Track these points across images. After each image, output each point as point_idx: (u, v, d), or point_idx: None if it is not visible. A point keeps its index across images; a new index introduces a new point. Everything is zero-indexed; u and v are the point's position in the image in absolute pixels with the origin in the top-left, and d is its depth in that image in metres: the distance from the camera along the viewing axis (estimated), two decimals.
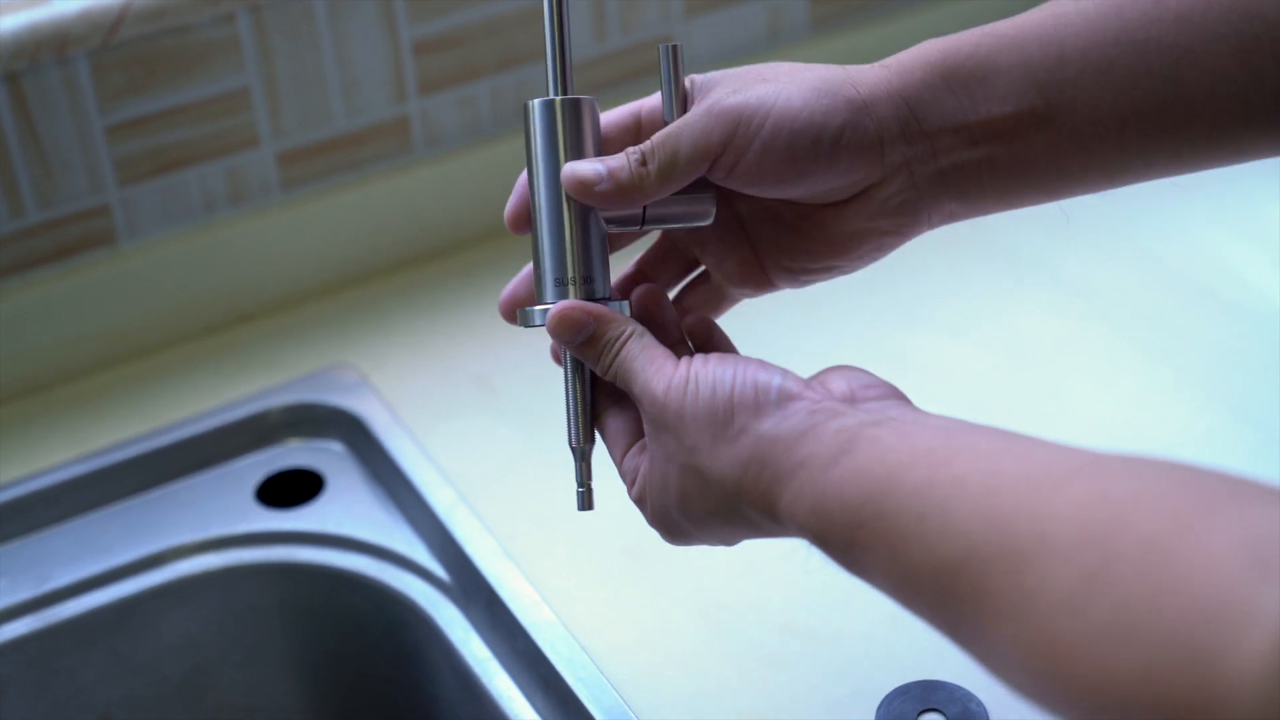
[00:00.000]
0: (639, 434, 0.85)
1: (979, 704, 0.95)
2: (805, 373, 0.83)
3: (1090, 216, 1.33)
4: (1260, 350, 1.23)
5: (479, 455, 1.20)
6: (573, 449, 0.87)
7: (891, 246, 0.87)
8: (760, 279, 0.90)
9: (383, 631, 1.16)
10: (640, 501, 0.85)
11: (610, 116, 0.87)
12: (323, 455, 1.23)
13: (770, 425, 0.77)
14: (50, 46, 1.18)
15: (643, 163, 0.82)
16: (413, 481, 1.17)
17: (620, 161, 0.83)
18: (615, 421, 0.86)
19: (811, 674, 1.01)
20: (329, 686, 1.23)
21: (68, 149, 1.22)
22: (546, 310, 0.84)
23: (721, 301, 0.92)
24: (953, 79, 0.82)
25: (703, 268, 0.92)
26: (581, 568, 1.11)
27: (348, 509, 1.19)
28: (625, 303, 0.86)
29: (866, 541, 0.71)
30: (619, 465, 0.86)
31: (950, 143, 0.83)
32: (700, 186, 0.85)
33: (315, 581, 1.17)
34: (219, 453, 1.23)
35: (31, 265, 1.25)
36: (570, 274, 0.84)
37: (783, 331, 1.28)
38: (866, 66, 0.84)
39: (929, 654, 0.97)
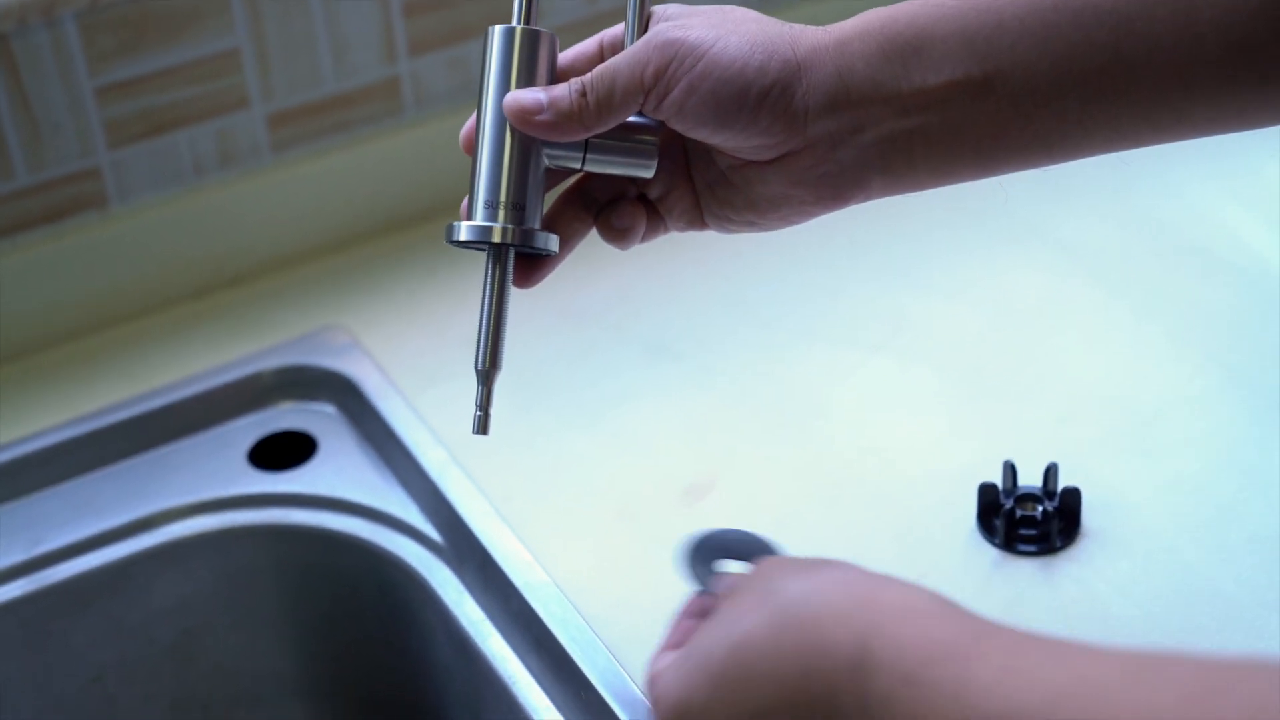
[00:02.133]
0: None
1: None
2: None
3: (1087, 178, 1.33)
4: (1256, 312, 1.23)
5: (471, 417, 1.20)
6: (477, 371, 0.87)
7: (812, 214, 0.87)
8: (692, 216, 0.89)
9: (376, 593, 1.16)
10: (652, 681, 0.78)
11: (576, 49, 0.88)
12: (315, 417, 1.23)
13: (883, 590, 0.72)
14: (38, 8, 1.17)
15: (582, 94, 0.83)
16: (405, 443, 1.16)
17: (562, 91, 0.83)
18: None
19: None
20: (322, 648, 1.23)
21: (57, 111, 1.22)
22: (470, 226, 0.85)
23: (647, 229, 0.90)
24: (889, 48, 0.82)
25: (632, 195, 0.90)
26: (574, 529, 1.10)
27: (340, 471, 1.19)
28: (555, 236, 0.86)
29: (934, 682, 0.66)
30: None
31: (880, 113, 0.82)
32: (645, 135, 0.85)
33: (308, 544, 1.17)
34: (211, 415, 1.23)
35: (21, 228, 1.25)
36: (502, 198, 0.85)
37: (776, 293, 1.28)
38: (811, 30, 0.84)
39: None
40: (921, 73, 0.81)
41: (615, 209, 0.89)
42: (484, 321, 0.87)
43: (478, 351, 0.87)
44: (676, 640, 0.81)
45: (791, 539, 0.98)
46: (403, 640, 1.17)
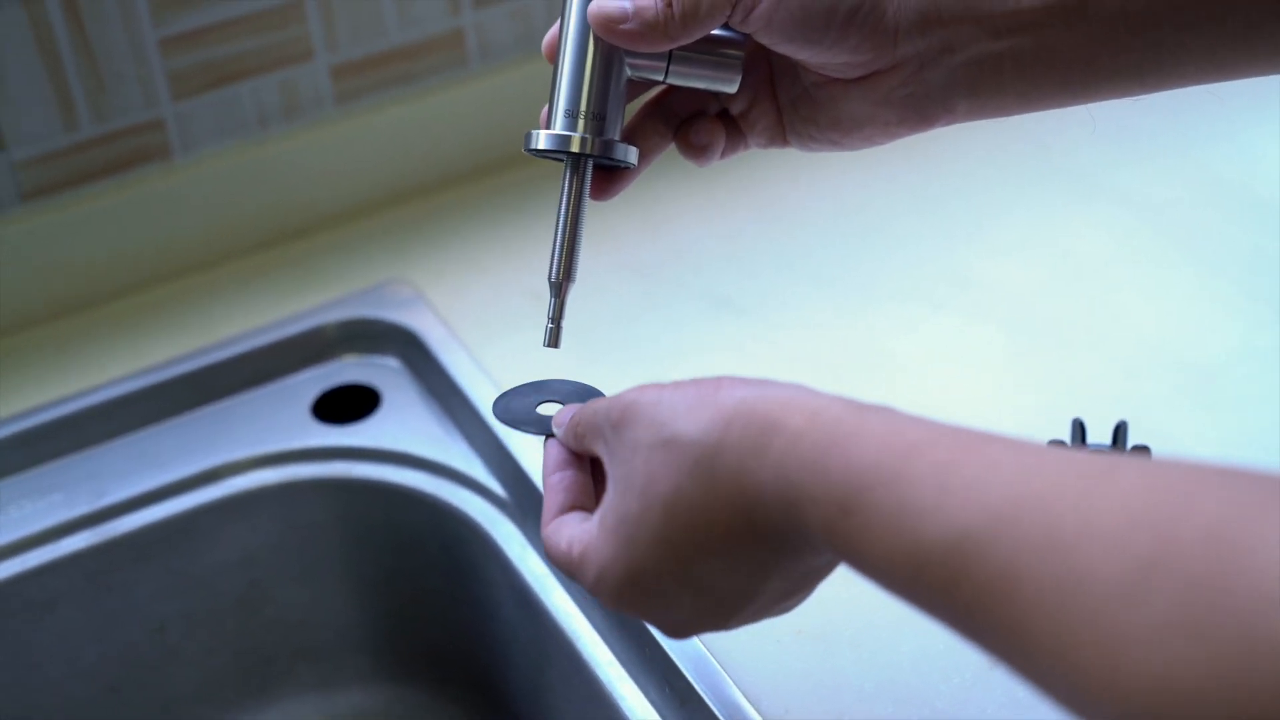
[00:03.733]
0: (581, 500, 0.82)
1: (593, 390, 0.92)
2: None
3: (1151, 132, 1.31)
4: None
5: (535, 370, 1.19)
6: (550, 283, 0.86)
7: (896, 135, 0.86)
8: (778, 134, 0.88)
9: (439, 547, 1.16)
10: (582, 559, 0.78)
11: None
12: (379, 371, 1.23)
13: (761, 389, 0.72)
14: None
15: (668, 3, 0.81)
16: (469, 397, 1.16)
17: (648, 1, 0.81)
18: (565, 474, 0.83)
19: (869, 589, 1.01)
20: (385, 602, 1.23)
21: (121, 62, 1.21)
22: (549, 135, 0.84)
23: (727, 146, 0.89)
24: None
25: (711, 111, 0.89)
26: None
27: (404, 425, 1.19)
28: (634, 149, 0.85)
29: (868, 508, 0.65)
30: (545, 526, 0.82)
31: (971, 34, 0.81)
32: (730, 49, 0.84)
33: (371, 497, 1.17)
34: (275, 368, 1.23)
35: (85, 179, 1.25)
36: (583, 107, 0.84)
37: (838, 250, 1.27)
38: None
39: None
40: None
41: (694, 125, 0.88)
42: (560, 232, 0.86)
43: (551, 262, 0.86)
44: (571, 500, 0.81)
45: None
46: (466, 594, 1.17)
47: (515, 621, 1.11)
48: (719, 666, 0.96)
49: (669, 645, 0.97)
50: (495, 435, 1.13)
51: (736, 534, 0.71)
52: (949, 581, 0.61)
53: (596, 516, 0.78)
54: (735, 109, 0.88)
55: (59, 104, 1.21)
